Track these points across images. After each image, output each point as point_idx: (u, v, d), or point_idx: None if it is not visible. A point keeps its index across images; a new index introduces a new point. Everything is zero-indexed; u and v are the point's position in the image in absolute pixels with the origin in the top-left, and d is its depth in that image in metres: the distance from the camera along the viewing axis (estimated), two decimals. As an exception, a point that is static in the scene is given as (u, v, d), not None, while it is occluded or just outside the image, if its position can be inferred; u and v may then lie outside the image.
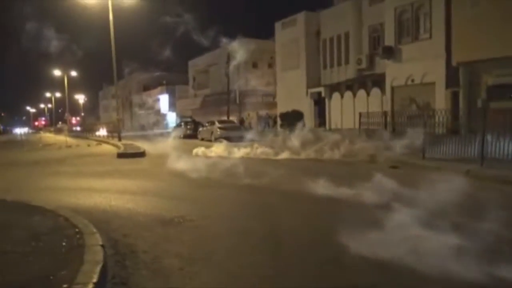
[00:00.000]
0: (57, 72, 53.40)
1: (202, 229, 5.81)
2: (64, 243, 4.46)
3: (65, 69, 54.87)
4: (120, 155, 17.04)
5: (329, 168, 11.62)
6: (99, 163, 15.03)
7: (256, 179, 9.48)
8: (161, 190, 9.08)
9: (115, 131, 31.48)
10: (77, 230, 5.01)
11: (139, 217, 6.55)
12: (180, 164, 12.20)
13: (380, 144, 13.78)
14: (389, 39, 23.00)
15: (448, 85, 19.91)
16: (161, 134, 41.55)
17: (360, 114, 16.44)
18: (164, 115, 59.05)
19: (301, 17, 30.08)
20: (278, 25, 32.48)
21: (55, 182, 10.54)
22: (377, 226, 5.16)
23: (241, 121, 36.49)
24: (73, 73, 54.71)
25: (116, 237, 5.33)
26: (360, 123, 16.28)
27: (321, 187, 8.04)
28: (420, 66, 20.93)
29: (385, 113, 15.51)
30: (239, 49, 39.04)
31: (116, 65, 27.38)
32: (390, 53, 22.55)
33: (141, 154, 17.26)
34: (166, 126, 56.87)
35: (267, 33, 31.31)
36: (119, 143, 23.25)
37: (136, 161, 15.34)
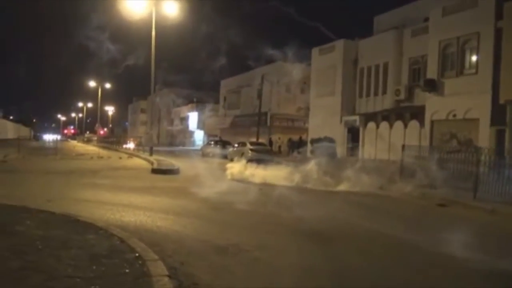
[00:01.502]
0: (92, 83, 54.63)
1: (262, 262, 5.40)
2: (127, 270, 4.13)
3: (100, 80, 56.20)
4: (155, 171, 16.86)
5: (388, 206, 11.09)
6: (135, 178, 14.84)
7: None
8: (205, 212, 8.74)
9: (145, 145, 31.63)
10: (136, 254, 4.68)
11: (191, 242, 6.20)
12: (219, 186, 11.87)
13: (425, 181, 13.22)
14: (431, 72, 22.47)
15: (492, 123, 19.18)
16: (189, 152, 41.74)
17: (403, 147, 15.84)
18: (192, 133, 59.30)
19: (339, 44, 29.88)
20: (315, 51, 32.35)
21: (94, 195, 10.34)
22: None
23: (270, 143, 36.16)
24: (107, 85, 55.83)
25: (174, 265, 4.96)
26: (402, 155, 15.67)
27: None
28: (463, 101, 20.29)
29: (432, 147, 14.88)
30: (273, 72, 39.19)
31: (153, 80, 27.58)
32: (432, 86, 21.99)
33: (176, 171, 17.05)
34: (194, 143, 57.05)
35: (301, 58, 31.19)
36: (150, 158, 23.17)
37: (171, 178, 15.10)
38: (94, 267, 4.17)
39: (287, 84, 39.43)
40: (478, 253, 6.02)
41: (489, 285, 5.05)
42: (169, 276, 4.06)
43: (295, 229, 7.43)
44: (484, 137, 19.14)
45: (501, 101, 18.41)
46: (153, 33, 25.66)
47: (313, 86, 32.86)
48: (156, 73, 27.22)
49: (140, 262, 4.41)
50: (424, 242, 6.71)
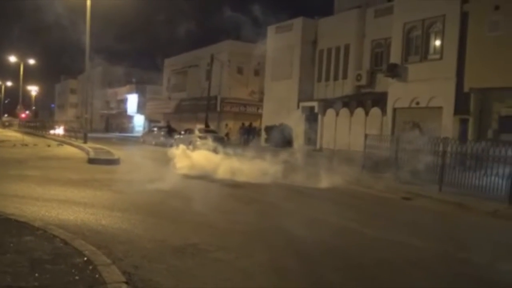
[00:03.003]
0: (12, 58, 51.72)
1: (225, 264, 5.39)
2: (76, 277, 3.97)
3: (22, 55, 53.34)
4: (92, 161, 16.34)
5: (354, 202, 11.38)
6: (69, 169, 14.30)
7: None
8: (154, 208, 8.59)
9: (78, 131, 30.52)
10: (85, 258, 4.51)
11: (143, 243, 6.08)
12: (167, 178, 11.67)
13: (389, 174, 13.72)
14: (394, 56, 23.18)
15: (456, 111, 20.13)
16: (128, 139, 40.74)
17: (366, 136, 16.33)
18: (131, 117, 57.86)
19: (298, 22, 30.09)
20: (271, 29, 32.36)
21: (24, 189, 9.87)
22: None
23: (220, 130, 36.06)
24: (31, 61, 53.11)
25: (127, 269, 4.83)
26: (365, 146, 16.16)
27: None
28: (427, 88, 21.11)
29: (397, 138, 15.44)
30: (224, 51, 38.91)
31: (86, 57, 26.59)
32: (395, 71, 22.69)
33: (116, 162, 16.64)
34: (133, 129, 55.74)
35: (254, 37, 31.10)
36: (85, 146, 22.40)
37: (112, 169, 14.68)
38: (37, 275, 3.98)
39: (240, 65, 39.37)
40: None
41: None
42: (126, 282, 3.94)
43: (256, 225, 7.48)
44: (448, 127, 20.03)
45: (466, 89, 19.32)
46: (88, 2, 24.63)
47: (268, 68, 32.98)
48: (90, 48, 26.23)
49: (90, 267, 4.26)
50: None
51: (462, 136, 18.49)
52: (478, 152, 12.28)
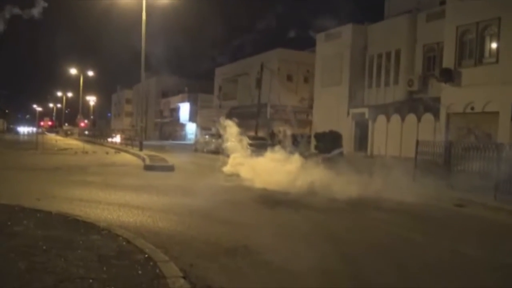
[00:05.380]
0: (73, 71, 54.63)
1: (275, 265, 5.66)
2: (139, 271, 4.39)
3: (81, 68, 56.22)
4: (148, 168, 17.12)
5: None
6: (127, 175, 15.09)
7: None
8: (208, 212, 9.00)
9: (134, 139, 31.82)
10: (146, 255, 4.95)
11: (197, 244, 6.47)
12: (218, 184, 12.13)
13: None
14: (447, 61, 22.75)
15: (514, 117, 19.50)
16: (181, 146, 41.97)
17: (418, 143, 16.14)
18: (183, 125, 59.47)
19: (347, 29, 30.12)
20: (320, 37, 32.57)
21: (86, 193, 10.60)
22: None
23: (272, 135, 36.30)
24: (90, 73, 55.85)
25: (183, 267, 5.21)
26: (416, 152, 15.97)
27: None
28: (482, 92, 20.56)
29: (450, 144, 15.19)
30: (273, 60, 39.38)
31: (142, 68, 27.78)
32: (448, 76, 22.26)
33: (170, 168, 17.32)
34: (185, 137, 57.22)
35: (304, 45, 31.42)
36: (141, 153, 23.39)
37: (167, 176, 15.35)
38: (105, 268, 4.44)
39: (289, 73, 39.70)
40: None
41: None
42: (183, 277, 4.32)
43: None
44: (504, 132, 19.45)
45: (524, 93, 18.71)
46: (144, 16, 25.80)
47: (318, 75, 33.14)
48: (144, 59, 27.41)
49: (151, 263, 4.68)
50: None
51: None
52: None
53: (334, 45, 31.05)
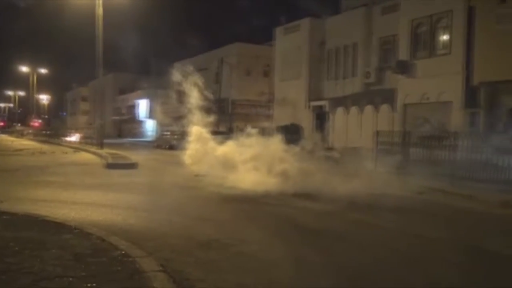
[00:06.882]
0: (24, 69, 52.80)
1: (248, 256, 5.79)
2: (118, 268, 4.41)
3: (33, 65, 54.42)
4: (110, 166, 16.88)
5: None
6: (90, 174, 14.85)
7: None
8: (176, 208, 9.02)
9: (92, 138, 31.10)
10: (122, 252, 4.96)
11: (170, 239, 6.50)
12: (184, 180, 12.15)
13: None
14: (403, 53, 23.46)
15: (466, 105, 20.35)
16: (140, 143, 41.38)
17: (377, 133, 16.64)
18: (142, 122, 58.56)
19: (305, 23, 30.48)
20: (279, 30, 32.81)
21: (50, 194, 10.39)
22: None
23: (232, 130, 36.38)
24: (43, 71, 54.13)
25: (160, 262, 5.25)
26: (377, 142, 16.46)
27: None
28: (436, 83, 21.35)
29: (408, 133, 15.74)
30: (232, 54, 39.41)
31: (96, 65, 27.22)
32: (404, 67, 22.98)
33: (133, 166, 17.16)
34: (144, 134, 56.38)
35: (262, 39, 31.64)
36: (101, 152, 22.96)
37: (130, 173, 15.21)
38: (83, 266, 4.42)
39: (248, 68, 39.82)
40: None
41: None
42: (163, 271, 4.37)
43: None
44: (458, 121, 20.27)
45: (475, 83, 19.56)
46: (99, 11, 25.25)
47: (277, 69, 33.39)
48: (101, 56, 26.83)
49: (129, 259, 4.70)
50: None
51: (472, 130, 18.73)
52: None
53: (293, 39, 31.37)
